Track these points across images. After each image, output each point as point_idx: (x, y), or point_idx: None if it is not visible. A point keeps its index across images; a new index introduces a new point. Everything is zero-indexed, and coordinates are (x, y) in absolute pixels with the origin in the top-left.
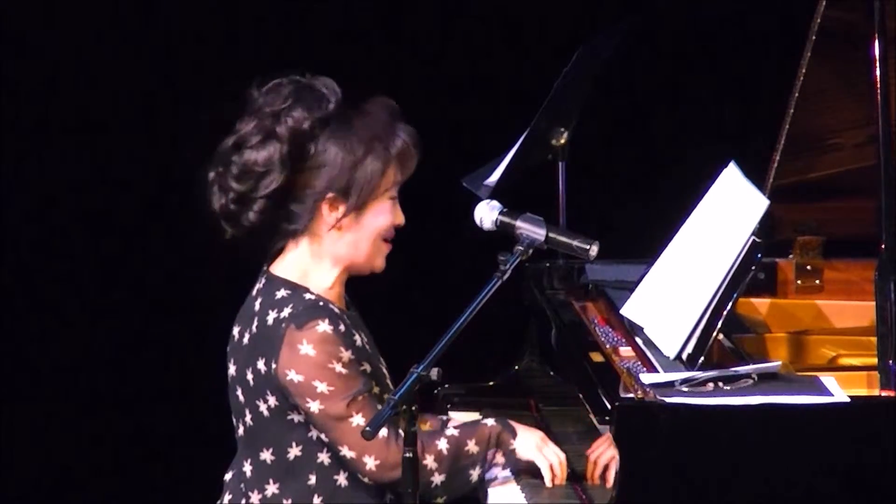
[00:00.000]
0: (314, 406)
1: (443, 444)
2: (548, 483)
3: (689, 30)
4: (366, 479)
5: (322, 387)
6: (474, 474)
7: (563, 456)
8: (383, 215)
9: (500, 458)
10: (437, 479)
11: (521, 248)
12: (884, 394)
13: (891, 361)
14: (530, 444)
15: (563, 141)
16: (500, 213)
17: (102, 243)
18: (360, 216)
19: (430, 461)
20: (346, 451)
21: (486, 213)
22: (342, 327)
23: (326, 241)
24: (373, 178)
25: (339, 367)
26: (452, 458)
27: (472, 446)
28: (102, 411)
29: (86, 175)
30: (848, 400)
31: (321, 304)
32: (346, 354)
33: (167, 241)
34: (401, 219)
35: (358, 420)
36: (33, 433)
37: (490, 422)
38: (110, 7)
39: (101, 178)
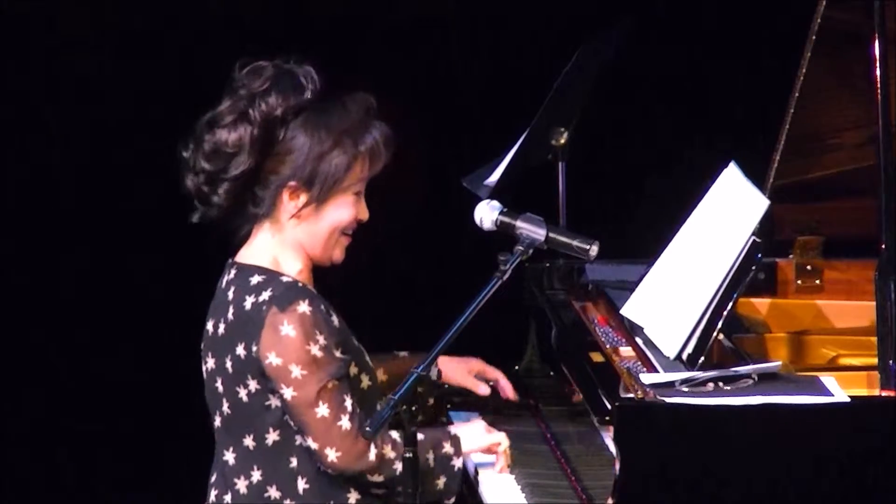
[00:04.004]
0: (288, 393)
1: (396, 435)
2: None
3: (689, 29)
4: (329, 471)
5: (297, 371)
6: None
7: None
8: (344, 209)
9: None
10: (399, 465)
11: (521, 248)
12: (884, 394)
13: (891, 361)
14: (475, 439)
15: (563, 141)
16: (500, 213)
17: (92, 241)
18: (320, 208)
19: (388, 450)
20: (311, 442)
21: (486, 213)
22: (322, 307)
23: (287, 228)
24: (337, 172)
25: (315, 350)
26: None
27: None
28: (98, 410)
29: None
30: (848, 400)
31: (300, 285)
32: (322, 338)
33: (160, 242)
34: (364, 214)
35: (323, 411)
36: (25, 433)
37: (446, 445)
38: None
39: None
